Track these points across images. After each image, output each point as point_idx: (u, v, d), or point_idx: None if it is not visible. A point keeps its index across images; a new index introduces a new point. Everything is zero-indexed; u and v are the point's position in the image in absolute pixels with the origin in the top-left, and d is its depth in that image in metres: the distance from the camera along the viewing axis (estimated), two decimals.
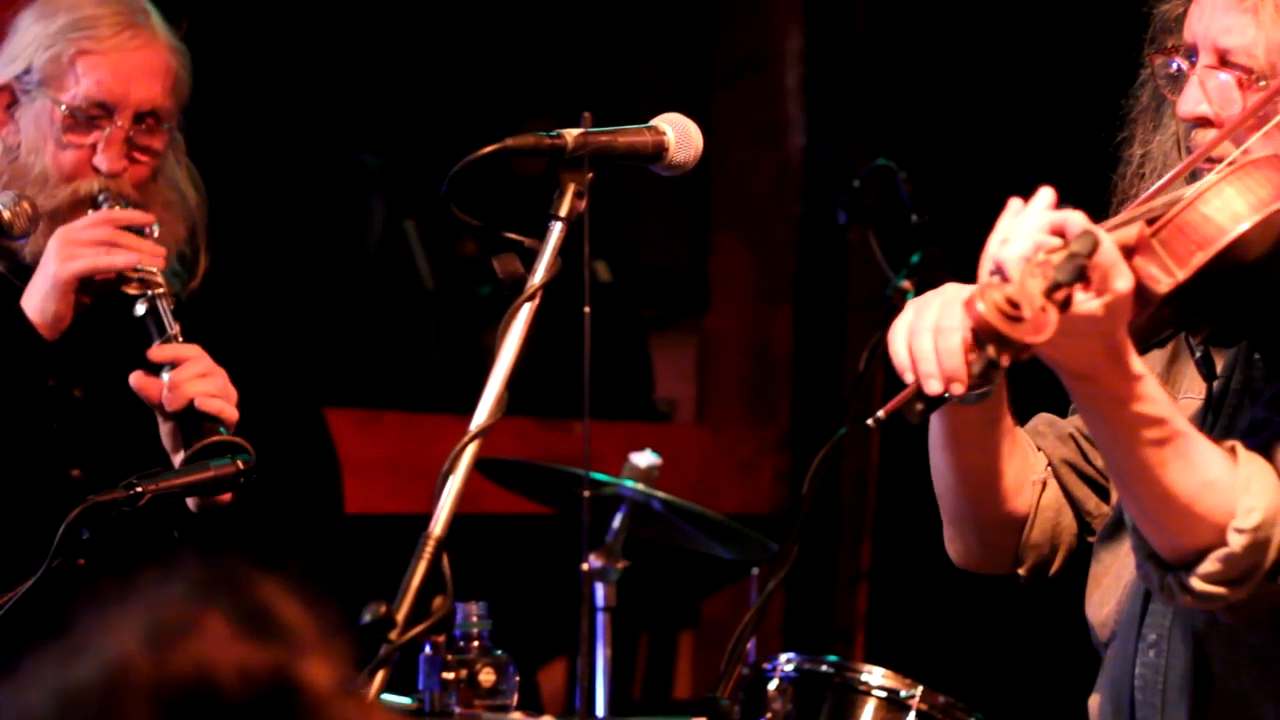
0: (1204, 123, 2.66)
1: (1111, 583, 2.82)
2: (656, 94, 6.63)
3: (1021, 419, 2.91)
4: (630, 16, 6.81)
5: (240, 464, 3.20)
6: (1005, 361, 2.31)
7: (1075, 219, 2.42)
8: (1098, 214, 2.62)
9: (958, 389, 2.45)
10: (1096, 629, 2.85)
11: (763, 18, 6.55)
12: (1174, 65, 2.71)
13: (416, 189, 6.08)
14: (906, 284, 4.49)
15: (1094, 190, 2.85)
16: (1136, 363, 2.48)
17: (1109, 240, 2.41)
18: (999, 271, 2.40)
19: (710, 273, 6.66)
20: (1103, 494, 2.90)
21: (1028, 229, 2.42)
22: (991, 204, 2.62)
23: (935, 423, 2.77)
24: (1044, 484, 2.88)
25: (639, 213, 6.64)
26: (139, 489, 3.08)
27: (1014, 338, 2.28)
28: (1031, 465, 2.88)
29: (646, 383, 6.54)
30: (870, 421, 2.51)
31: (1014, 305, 2.28)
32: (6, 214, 3.45)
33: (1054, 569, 2.90)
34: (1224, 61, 2.64)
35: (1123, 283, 2.42)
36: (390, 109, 6.22)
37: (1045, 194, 2.47)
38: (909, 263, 4.52)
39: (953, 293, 2.53)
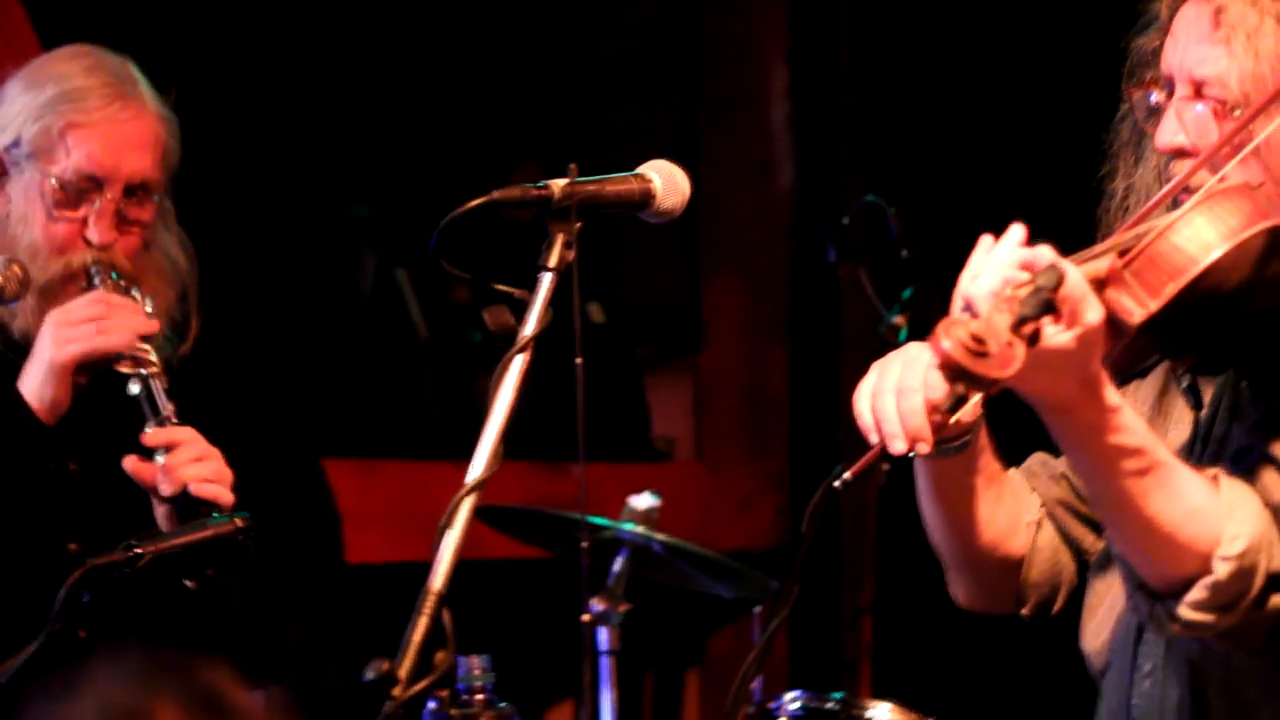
0: (1182, 154, 2.67)
1: (1105, 613, 2.83)
2: (644, 135, 6.64)
3: (1017, 453, 2.93)
4: (616, 59, 6.83)
5: (239, 522, 3.20)
6: (974, 397, 2.32)
7: (1043, 254, 2.44)
8: (1086, 243, 2.64)
9: (923, 448, 2.52)
10: (1092, 659, 2.86)
11: (748, 57, 6.57)
12: (1152, 98, 2.73)
13: (407, 237, 6.09)
14: (899, 320, 4.54)
15: (1080, 221, 2.87)
16: (1112, 394, 2.49)
17: (1076, 273, 2.42)
18: (969, 308, 2.42)
19: (704, 310, 6.67)
20: (1099, 530, 2.89)
21: (997, 264, 2.44)
22: (979, 237, 2.63)
23: (920, 475, 2.80)
24: (1039, 524, 2.90)
25: (630, 251, 6.65)
26: (138, 550, 3.08)
27: (980, 373, 2.29)
28: (1026, 506, 2.90)
29: (643, 422, 6.55)
30: (837, 484, 2.57)
31: (979, 341, 2.29)
32: None
33: (1056, 607, 2.92)
34: (1199, 92, 2.66)
35: (1093, 314, 2.43)
36: (377, 158, 6.23)
37: (1016, 231, 2.49)
38: (901, 298, 4.56)
39: (914, 352, 2.58)
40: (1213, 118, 2.65)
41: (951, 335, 2.28)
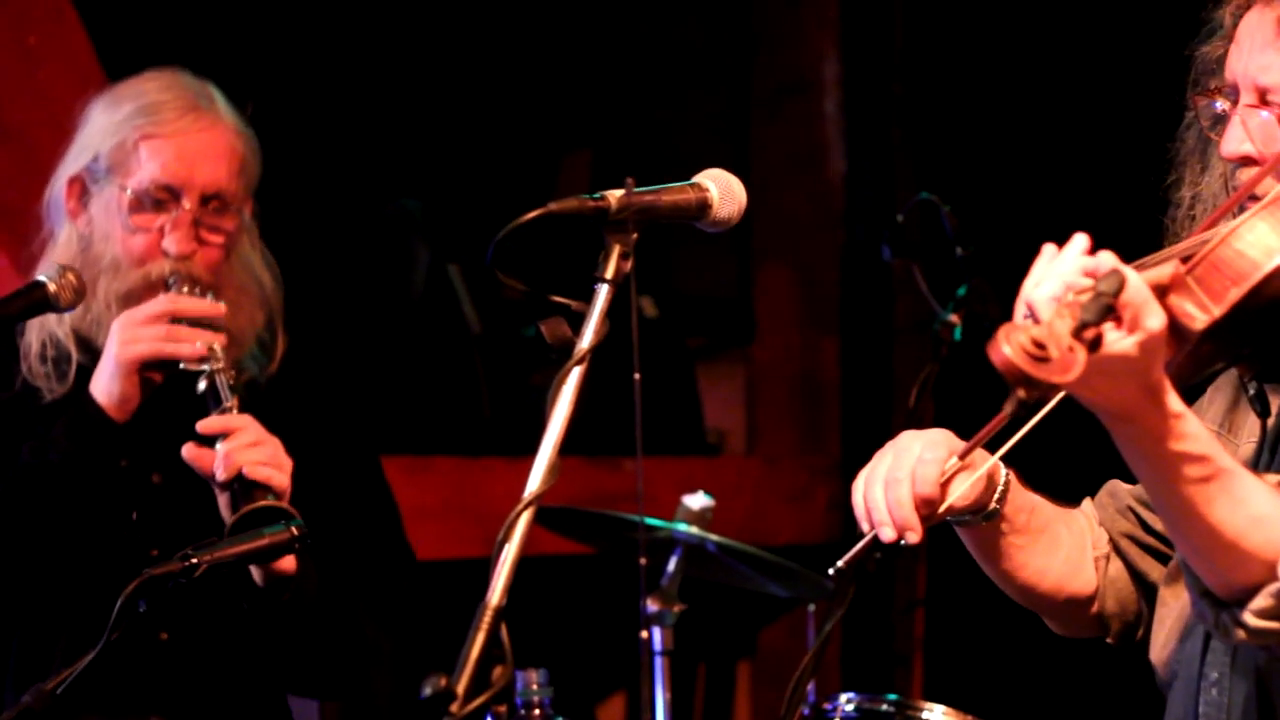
0: (1248, 161, 2.66)
1: (1174, 624, 2.83)
2: (695, 125, 6.62)
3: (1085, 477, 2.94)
4: (668, 47, 6.81)
5: (294, 530, 3.20)
6: (1032, 400, 2.31)
7: (1105, 260, 2.43)
8: (1147, 247, 2.62)
9: (912, 537, 2.63)
10: (1159, 670, 2.86)
11: (799, 45, 6.54)
12: (1217, 106, 2.72)
13: (459, 232, 6.08)
14: (954, 317, 4.51)
15: (1133, 217, 2.86)
16: (1175, 401, 2.47)
17: (1137, 279, 2.40)
18: (1030, 313, 2.41)
19: (755, 301, 6.65)
20: (1166, 562, 2.92)
21: (1060, 271, 2.43)
22: (1034, 230, 2.62)
23: (965, 540, 2.86)
24: (1108, 558, 2.95)
25: (681, 243, 6.63)
26: (194, 559, 3.09)
27: (1040, 378, 2.27)
28: (1094, 541, 2.94)
29: (696, 417, 6.53)
30: (831, 571, 2.69)
31: (1040, 346, 2.28)
32: (52, 286, 3.47)
33: (1139, 634, 2.96)
34: (1264, 100, 2.65)
35: (1154, 320, 2.41)
36: (428, 152, 6.22)
37: (1079, 239, 2.48)
38: (955, 295, 4.54)
39: (905, 442, 2.69)
40: (1278, 125, 2.63)
41: (1012, 341, 2.27)
